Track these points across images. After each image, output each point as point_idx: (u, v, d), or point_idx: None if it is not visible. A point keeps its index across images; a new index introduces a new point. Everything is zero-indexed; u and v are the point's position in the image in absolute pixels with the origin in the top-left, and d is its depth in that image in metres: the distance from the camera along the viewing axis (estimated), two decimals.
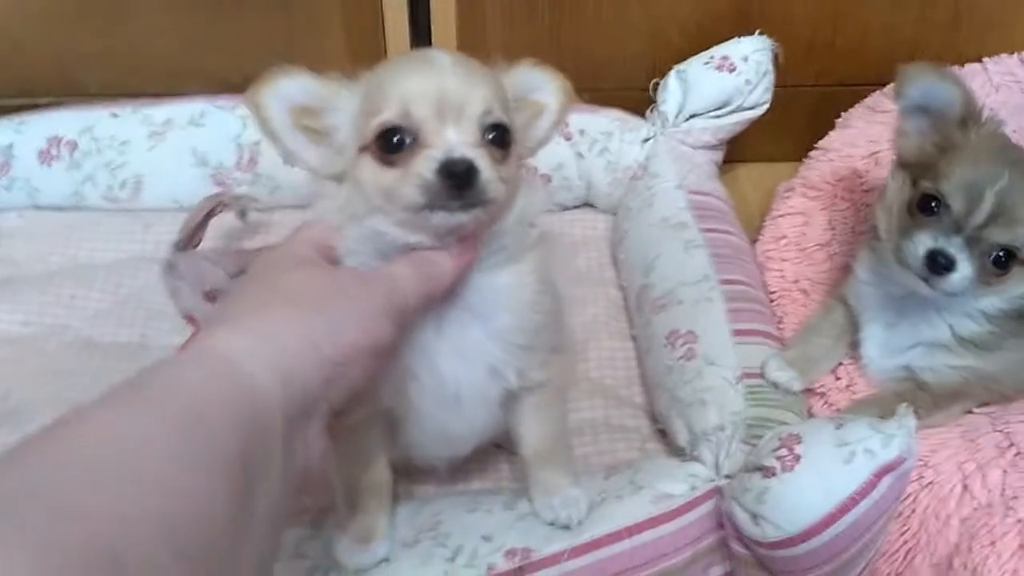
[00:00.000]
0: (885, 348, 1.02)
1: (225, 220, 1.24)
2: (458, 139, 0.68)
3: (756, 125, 1.39)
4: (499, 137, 0.70)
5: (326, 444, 0.62)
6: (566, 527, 0.87)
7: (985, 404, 0.97)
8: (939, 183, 0.89)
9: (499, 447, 1.02)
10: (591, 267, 1.31)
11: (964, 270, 0.87)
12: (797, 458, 0.81)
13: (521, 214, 0.78)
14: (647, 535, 0.86)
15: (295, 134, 0.72)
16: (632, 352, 1.19)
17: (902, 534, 0.92)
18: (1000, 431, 0.91)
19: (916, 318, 0.96)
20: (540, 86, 0.80)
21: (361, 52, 1.41)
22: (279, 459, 0.54)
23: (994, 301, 0.91)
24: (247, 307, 0.62)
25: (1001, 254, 0.87)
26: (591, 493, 0.90)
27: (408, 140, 0.68)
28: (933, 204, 0.90)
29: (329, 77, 0.73)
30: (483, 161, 0.67)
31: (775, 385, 1.01)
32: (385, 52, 1.40)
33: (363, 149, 0.70)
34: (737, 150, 1.50)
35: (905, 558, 0.92)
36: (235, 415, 0.51)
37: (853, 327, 1.06)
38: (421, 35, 1.38)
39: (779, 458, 0.82)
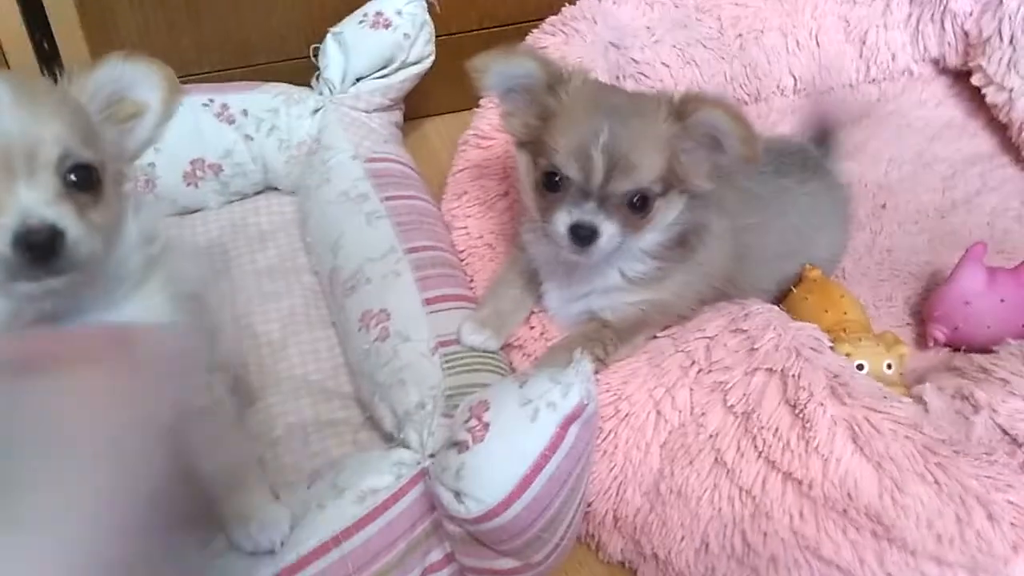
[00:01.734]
0: (563, 298, 1.02)
1: None
2: (33, 198, 0.58)
3: (433, 77, 1.35)
4: (85, 179, 0.61)
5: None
6: (270, 552, 0.81)
7: (666, 328, 0.99)
8: (551, 157, 0.89)
9: None
10: (283, 255, 1.23)
11: (608, 230, 0.88)
12: (486, 426, 0.79)
13: (135, 237, 0.70)
14: (356, 539, 0.82)
15: None
16: (335, 339, 1.13)
17: (611, 470, 0.93)
18: (682, 351, 0.94)
19: (587, 271, 0.96)
20: (137, 82, 0.71)
21: None
22: None
23: (651, 238, 0.93)
24: None
25: (636, 200, 0.88)
26: (291, 508, 0.84)
27: None
28: (556, 179, 0.89)
29: None
30: (68, 219, 0.58)
31: (472, 349, 0.99)
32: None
33: None
34: (420, 105, 1.46)
35: (617, 493, 0.93)
36: None
37: (536, 277, 1.05)
38: (39, 27, 1.22)
39: (470, 430, 0.79)
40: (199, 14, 1.27)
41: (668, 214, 0.91)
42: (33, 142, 0.59)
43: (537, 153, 0.92)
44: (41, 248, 0.57)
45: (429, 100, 1.45)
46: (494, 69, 0.92)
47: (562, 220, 0.88)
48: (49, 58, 1.25)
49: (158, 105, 0.72)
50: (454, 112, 1.48)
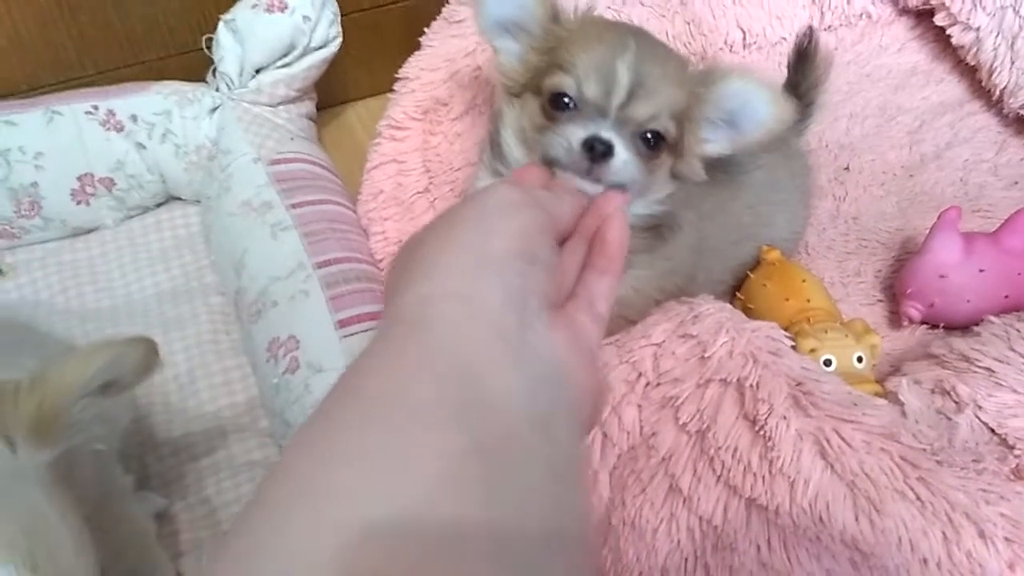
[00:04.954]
0: None
1: None
2: None
3: (348, 59, 1.23)
4: None
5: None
6: None
7: (612, 333, 0.88)
8: (566, 75, 0.79)
9: None
10: (188, 275, 1.11)
11: (622, 154, 0.77)
12: None
13: None
14: None
15: None
16: (248, 369, 1.01)
17: None
18: (627, 362, 0.83)
19: None
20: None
21: None
22: None
23: (635, 207, 0.82)
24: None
25: (650, 135, 0.79)
26: None
27: None
28: (566, 100, 0.79)
29: None
30: None
31: None
32: None
33: None
34: (340, 90, 1.34)
35: None
36: None
37: None
38: None
39: None
40: (74, 7, 1.12)
41: (660, 188, 0.83)
42: None
43: (537, 88, 0.82)
44: None
45: (347, 84, 1.33)
46: (489, 5, 0.82)
47: (575, 134, 0.77)
48: None
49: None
50: (378, 95, 1.36)
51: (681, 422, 0.78)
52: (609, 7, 1.28)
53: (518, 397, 0.43)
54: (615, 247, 0.59)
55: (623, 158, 0.78)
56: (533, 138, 0.83)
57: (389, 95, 1.25)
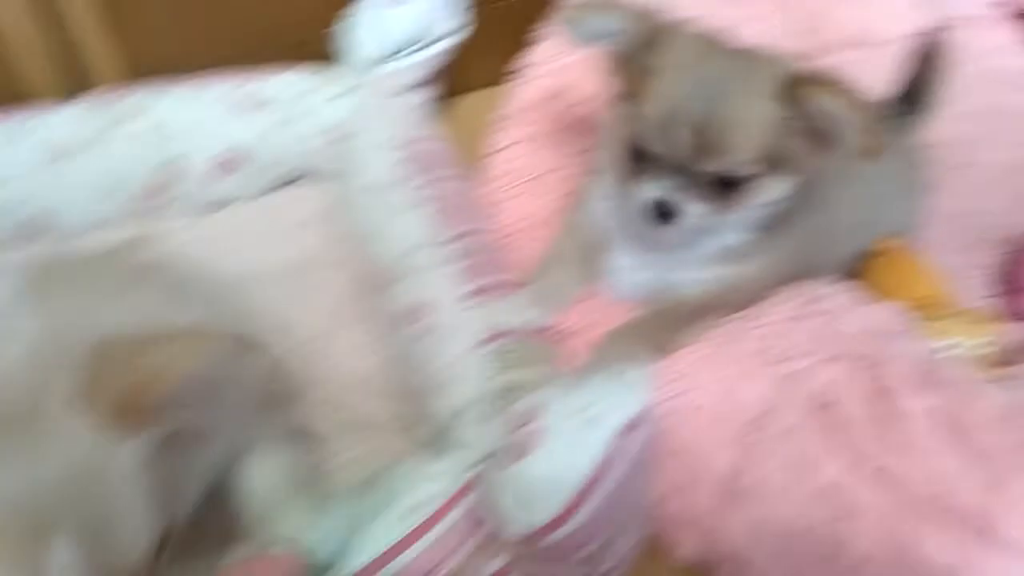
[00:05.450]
0: (635, 265, 0.95)
1: None
2: None
3: (471, 49, 1.28)
4: None
5: None
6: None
7: (739, 309, 0.91)
8: (641, 127, 0.82)
9: None
10: (318, 247, 1.17)
11: (693, 210, 0.81)
12: (541, 433, 0.72)
13: None
14: (400, 560, 0.75)
15: None
16: (377, 335, 1.06)
17: (681, 467, 0.86)
18: (755, 337, 0.86)
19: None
20: None
21: None
22: None
23: (749, 214, 0.85)
24: None
25: (728, 181, 0.81)
26: (338, 520, 0.79)
27: None
28: (642, 149, 0.83)
29: None
30: None
31: (520, 326, 0.92)
32: None
33: None
34: (458, 79, 1.39)
35: (689, 491, 0.86)
36: None
37: (597, 249, 0.98)
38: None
39: (524, 436, 0.73)
40: (214, 2, 1.20)
41: (769, 193, 0.84)
42: None
43: (630, 115, 0.84)
44: None
45: (464, 74, 1.38)
46: (587, 22, 0.84)
47: (644, 193, 0.82)
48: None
49: None
50: (492, 86, 1.40)
51: (808, 395, 0.81)
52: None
53: None
54: None
55: (693, 213, 0.82)
56: (617, 167, 0.87)
57: (495, 88, 1.31)
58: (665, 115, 0.80)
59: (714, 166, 0.80)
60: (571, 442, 0.70)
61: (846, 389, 0.79)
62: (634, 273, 0.96)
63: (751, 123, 0.80)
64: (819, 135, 0.81)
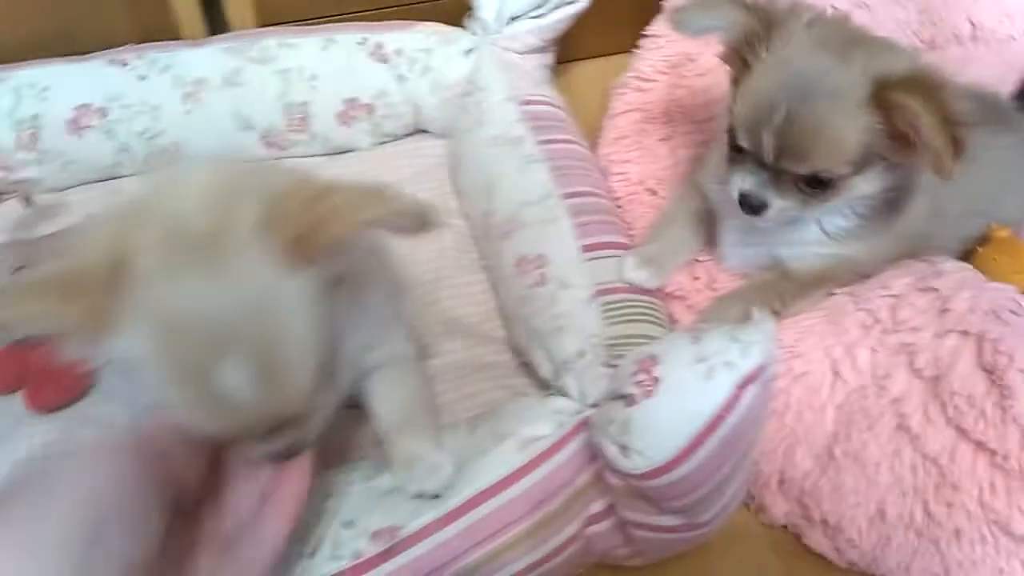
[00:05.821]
0: (744, 241, 0.98)
1: (9, 208, 1.10)
2: None
3: (584, 19, 1.30)
4: None
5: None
6: (434, 496, 0.81)
7: (846, 285, 0.94)
8: (733, 123, 0.85)
9: (353, 407, 0.93)
10: (432, 198, 1.21)
11: (777, 204, 0.84)
12: (656, 381, 0.75)
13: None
14: (519, 486, 0.80)
15: None
16: (487, 284, 1.11)
17: (780, 430, 0.89)
18: (863, 309, 0.89)
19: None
20: None
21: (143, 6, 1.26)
22: None
23: (857, 202, 0.87)
24: None
25: (816, 180, 0.83)
26: (455, 454, 0.84)
27: None
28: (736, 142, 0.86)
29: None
30: None
31: (631, 284, 0.96)
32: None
33: None
34: (570, 48, 1.42)
35: (785, 454, 0.89)
36: None
37: (709, 216, 1.01)
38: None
39: (638, 384, 0.76)
40: None
41: (859, 189, 0.85)
42: None
43: (729, 104, 0.87)
44: None
45: (578, 43, 1.41)
46: (692, 18, 0.87)
47: (736, 184, 0.86)
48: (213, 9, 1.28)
49: None
50: (603, 56, 1.44)
51: (916, 367, 0.83)
52: None
53: None
54: None
55: (779, 207, 0.84)
56: (721, 155, 0.90)
57: (614, 57, 1.33)
58: (751, 116, 0.83)
59: (796, 168, 0.83)
60: (689, 391, 0.73)
61: (953, 364, 0.81)
62: (742, 247, 0.99)
63: (835, 130, 0.80)
64: (908, 139, 0.80)
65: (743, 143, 0.84)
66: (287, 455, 0.67)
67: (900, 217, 0.91)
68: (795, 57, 0.83)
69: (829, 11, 1.26)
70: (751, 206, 0.86)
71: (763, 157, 0.83)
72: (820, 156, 0.81)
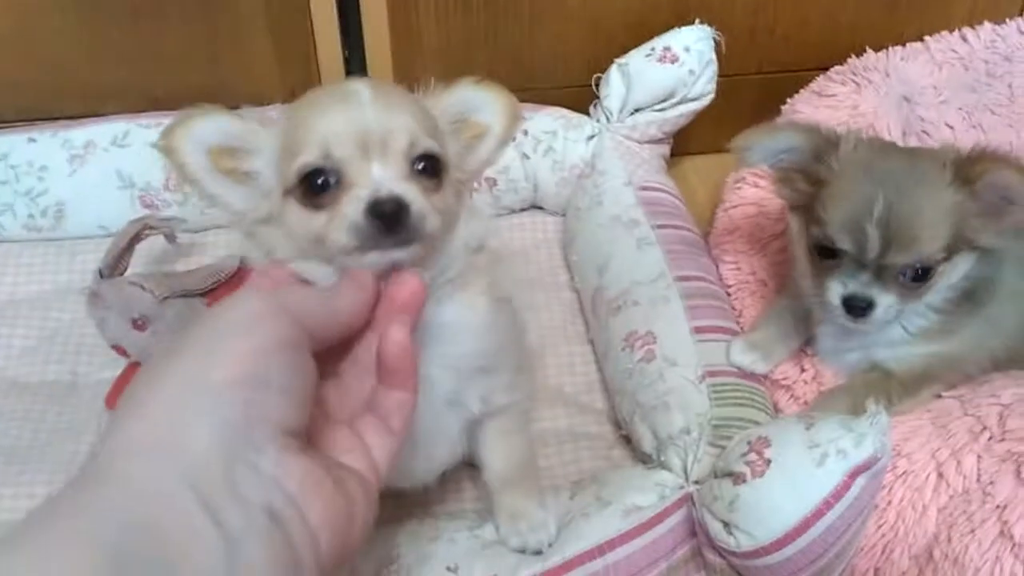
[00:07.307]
0: (840, 347, 1.00)
1: (155, 243, 1.18)
2: (384, 175, 0.63)
3: (701, 116, 1.36)
4: (429, 167, 0.66)
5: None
6: (536, 552, 0.83)
7: (953, 387, 0.95)
8: (824, 228, 0.88)
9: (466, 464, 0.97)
10: (543, 271, 1.27)
11: (885, 301, 0.86)
12: (767, 462, 0.78)
13: (464, 241, 0.73)
14: (620, 551, 0.83)
15: (215, 177, 0.67)
16: (591, 356, 1.15)
17: (879, 527, 0.89)
18: (971, 415, 0.90)
19: None
20: (482, 106, 0.75)
21: (289, 57, 1.36)
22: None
23: (936, 295, 0.90)
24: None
25: (917, 270, 0.86)
26: (558, 514, 0.86)
27: (333, 180, 0.63)
28: (829, 249, 0.88)
29: (247, 114, 0.69)
30: (413, 194, 0.62)
31: (739, 367, 0.99)
32: (315, 57, 1.34)
33: (287, 192, 0.65)
34: (683, 143, 1.47)
35: (883, 552, 0.89)
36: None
37: (809, 319, 1.04)
38: (352, 38, 1.33)
39: (748, 463, 0.79)
40: (496, 35, 1.34)
41: (953, 275, 0.88)
42: (387, 130, 0.64)
43: (809, 220, 0.91)
44: (389, 217, 0.61)
45: (692, 138, 1.46)
46: (758, 145, 0.92)
47: (835, 291, 0.88)
48: (354, 70, 1.36)
49: (498, 130, 0.76)
50: (716, 152, 1.48)
51: (1023, 476, 0.84)
52: (960, 108, 1.35)
53: (208, 556, 0.41)
54: (393, 360, 0.55)
55: (885, 305, 0.86)
56: (805, 270, 0.93)
57: (725, 154, 1.38)
58: (850, 215, 0.86)
59: (903, 259, 0.85)
60: (800, 475, 0.75)
61: None
62: (837, 353, 1.01)
63: (934, 212, 0.84)
64: (995, 209, 0.85)
65: (843, 245, 0.87)
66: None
67: (984, 311, 0.93)
68: (875, 160, 0.89)
69: (942, 127, 1.31)
70: (857, 308, 0.88)
71: (865, 255, 0.86)
72: (924, 241, 0.85)
